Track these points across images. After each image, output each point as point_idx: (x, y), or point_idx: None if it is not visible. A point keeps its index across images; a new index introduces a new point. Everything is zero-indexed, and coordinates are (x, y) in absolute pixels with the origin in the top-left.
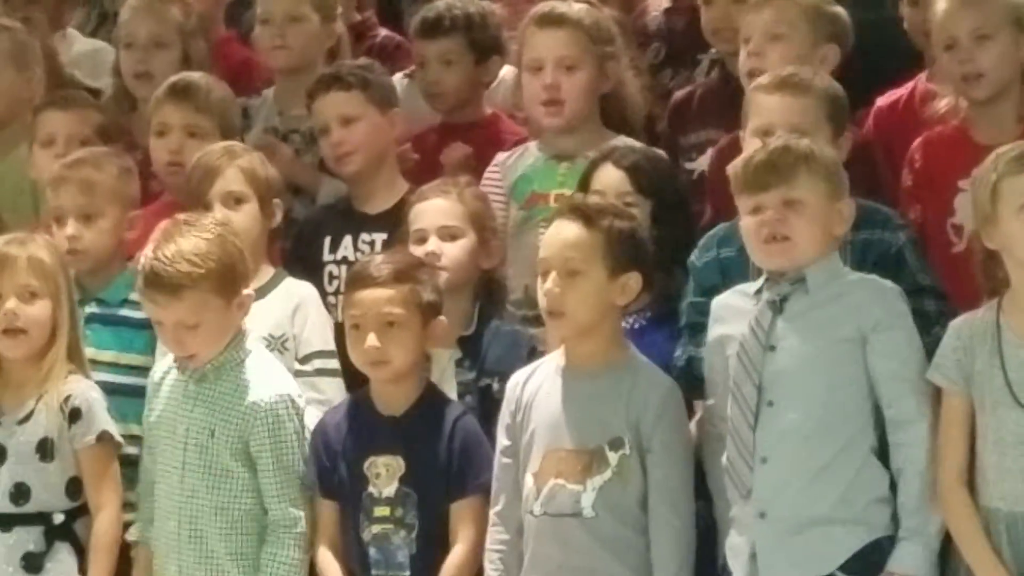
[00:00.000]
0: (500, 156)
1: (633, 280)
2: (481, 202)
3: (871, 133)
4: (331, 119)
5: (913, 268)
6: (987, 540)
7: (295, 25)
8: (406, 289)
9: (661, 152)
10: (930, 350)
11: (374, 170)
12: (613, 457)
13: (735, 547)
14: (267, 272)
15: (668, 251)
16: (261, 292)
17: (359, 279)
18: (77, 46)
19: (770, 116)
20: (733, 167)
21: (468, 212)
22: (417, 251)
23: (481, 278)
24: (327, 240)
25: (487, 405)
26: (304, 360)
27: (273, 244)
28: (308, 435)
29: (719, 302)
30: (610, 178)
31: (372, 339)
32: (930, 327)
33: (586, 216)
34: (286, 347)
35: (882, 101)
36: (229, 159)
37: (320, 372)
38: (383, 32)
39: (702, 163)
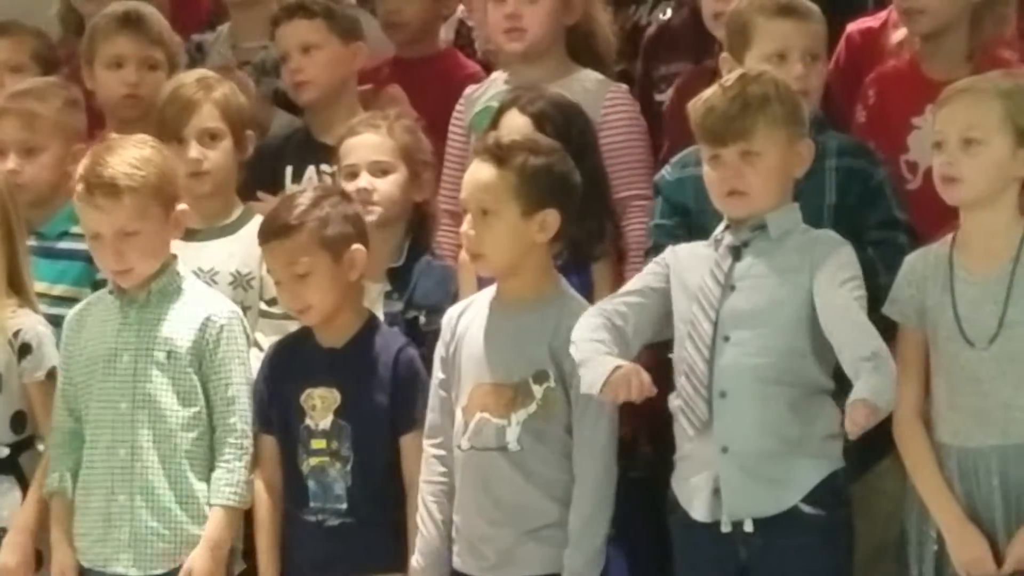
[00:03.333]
0: (468, 89)
1: (551, 216)
2: (411, 135)
3: (842, 61)
4: (292, 47)
5: (891, 201)
6: (940, 474)
7: None
8: (307, 233)
9: (572, 101)
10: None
11: (333, 100)
12: (538, 390)
13: (692, 485)
14: (237, 208)
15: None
16: (230, 228)
17: (262, 231)
18: None
19: (784, 40)
20: (693, 110)
21: (398, 146)
22: (349, 186)
23: (414, 211)
24: (288, 169)
25: (414, 337)
26: (271, 302)
27: (239, 177)
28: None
29: (674, 254)
30: (514, 123)
31: (289, 293)
32: (901, 254)
33: (498, 156)
34: (251, 285)
35: (853, 27)
36: (205, 92)
37: (288, 315)
38: None
39: (669, 95)
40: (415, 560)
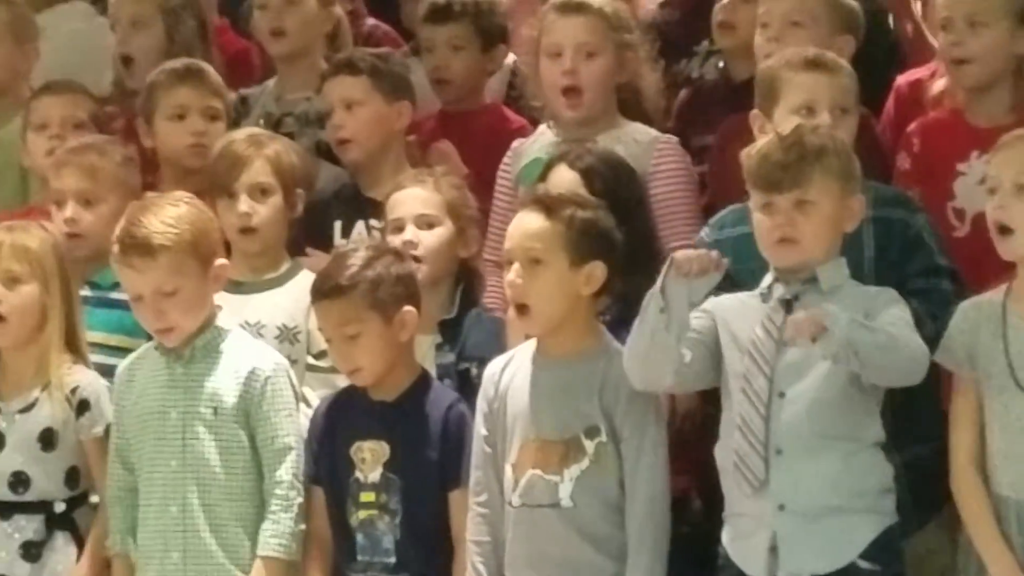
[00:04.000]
0: (516, 143)
1: (598, 270)
2: (458, 191)
3: (891, 112)
4: (335, 102)
5: (932, 248)
6: (996, 526)
7: (292, 9)
8: (359, 295)
9: (620, 156)
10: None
11: (377, 157)
12: (590, 446)
13: (747, 543)
14: (285, 263)
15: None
16: (277, 281)
17: (315, 289)
18: None
19: (811, 93)
20: (748, 158)
21: (445, 201)
22: (394, 240)
23: (462, 265)
24: (338, 225)
25: (466, 389)
26: (319, 355)
27: (289, 234)
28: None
29: (719, 304)
30: (563, 179)
31: (339, 353)
32: (947, 303)
33: (547, 207)
34: (298, 339)
35: (902, 79)
36: (256, 149)
37: (335, 369)
38: (371, 21)
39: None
40: None
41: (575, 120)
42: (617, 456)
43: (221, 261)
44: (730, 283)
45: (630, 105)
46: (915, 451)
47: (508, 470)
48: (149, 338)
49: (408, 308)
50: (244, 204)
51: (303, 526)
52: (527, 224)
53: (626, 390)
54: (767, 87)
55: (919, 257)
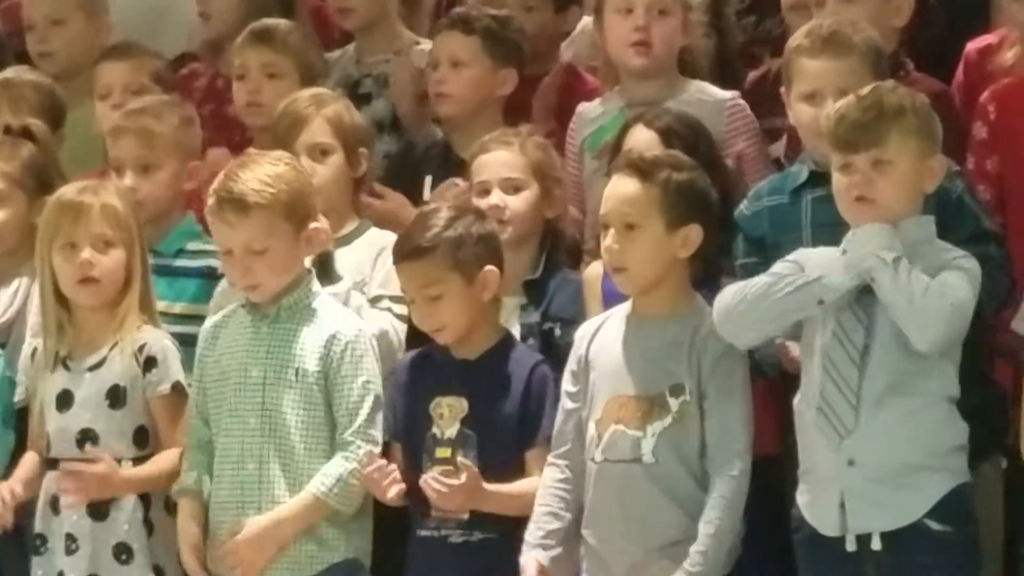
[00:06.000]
0: (581, 107)
1: (694, 232)
2: (543, 152)
3: (961, 79)
4: (442, 57)
5: (977, 213)
6: None
7: None
8: (440, 255)
9: (696, 118)
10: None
11: (472, 118)
12: (674, 403)
13: (818, 500)
14: (352, 222)
15: None
16: (345, 240)
17: (396, 250)
18: None
19: (816, 81)
20: (826, 119)
21: (530, 163)
22: (480, 203)
23: (547, 226)
24: (428, 180)
25: (549, 349)
26: (374, 301)
27: (357, 194)
28: None
29: (807, 257)
30: (641, 139)
31: (422, 313)
32: (994, 272)
33: (642, 170)
34: (364, 291)
35: (971, 46)
36: (316, 108)
37: (390, 311)
38: None
39: (778, 148)
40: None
41: (641, 68)
42: (700, 416)
43: (315, 224)
44: (764, 253)
45: (685, 67)
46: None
47: (592, 426)
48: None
49: (490, 268)
50: (304, 164)
51: (361, 487)
52: (622, 189)
53: (713, 351)
54: (786, 69)
55: (966, 223)
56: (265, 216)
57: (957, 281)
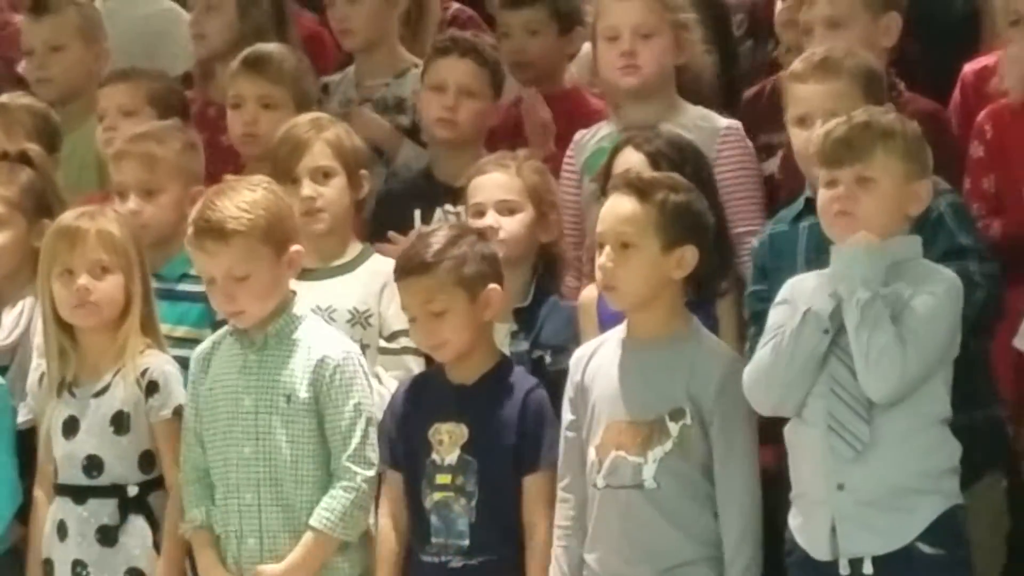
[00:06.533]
0: (578, 135)
1: (689, 253)
2: (539, 176)
3: (958, 100)
4: (451, 83)
5: (952, 229)
6: None
7: (355, 7)
8: (445, 271)
9: (688, 140)
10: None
11: (467, 146)
12: (674, 428)
13: (809, 524)
14: (355, 247)
15: None
16: (349, 267)
17: (399, 267)
18: None
19: (806, 105)
20: (816, 136)
21: (526, 186)
22: (475, 225)
23: (540, 251)
24: (417, 213)
25: (539, 377)
26: (391, 338)
27: (357, 216)
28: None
29: (792, 287)
30: (630, 161)
31: (424, 330)
32: (973, 289)
33: (640, 190)
34: (370, 323)
35: (968, 68)
36: (316, 132)
37: (406, 350)
38: (455, 4)
39: (772, 165)
40: None
41: (631, 88)
42: (703, 440)
43: (296, 247)
44: (764, 277)
45: (687, 87)
46: (972, 415)
47: (592, 452)
48: (213, 329)
49: (493, 286)
50: (307, 188)
51: (364, 514)
52: (619, 208)
53: (717, 377)
54: (783, 98)
55: (940, 239)
56: (245, 242)
57: (925, 313)
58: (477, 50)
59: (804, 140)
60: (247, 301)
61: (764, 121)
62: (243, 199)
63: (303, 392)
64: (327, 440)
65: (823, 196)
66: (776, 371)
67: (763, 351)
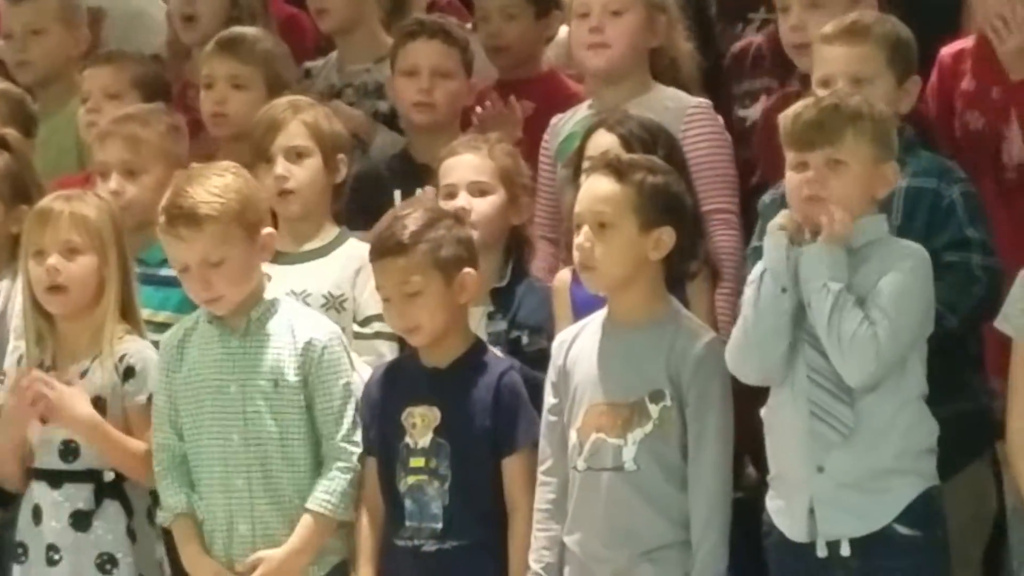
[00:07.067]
0: (554, 119)
1: (666, 235)
2: (511, 158)
3: (935, 83)
4: (424, 66)
5: (962, 220)
6: None
7: None
8: (421, 252)
9: (657, 121)
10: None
11: (444, 127)
12: (654, 410)
13: (787, 506)
14: (331, 231)
15: None
16: (324, 251)
17: (374, 248)
18: None
19: (831, 67)
20: (784, 118)
21: (498, 168)
22: (447, 206)
23: (513, 233)
24: (398, 194)
25: (517, 357)
26: (364, 323)
27: (336, 202)
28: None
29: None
30: (602, 143)
31: (398, 312)
32: (972, 282)
33: (618, 171)
34: (344, 307)
35: (945, 51)
36: (293, 112)
37: (379, 335)
38: None
39: (755, 111)
40: None
41: (599, 69)
42: (681, 421)
43: (268, 230)
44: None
45: (666, 73)
46: (958, 406)
47: (573, 435)
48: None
49: (468, 270)
50: (280, 167)
51: (355, 491)
52: (597, 188)
53: (693, 356)
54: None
55: (948, 229)
56: (218, 227)
57: (893, 292)
58: (445, 30)
59: None
60: (223, 286)
61: (747, 70)
62: (213, 184)
63: (291, 376)
64: (316, 422)
65: (792, 179)
66: (747, 336)
67: (738, 321)
